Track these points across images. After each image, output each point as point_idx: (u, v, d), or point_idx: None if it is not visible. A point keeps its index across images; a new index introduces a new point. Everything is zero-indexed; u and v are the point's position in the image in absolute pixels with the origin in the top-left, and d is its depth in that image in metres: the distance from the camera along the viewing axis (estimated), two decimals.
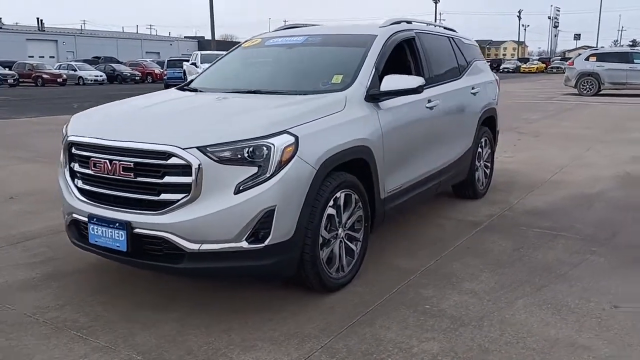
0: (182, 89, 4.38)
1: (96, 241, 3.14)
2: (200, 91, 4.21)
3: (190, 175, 2.86)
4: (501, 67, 62.94)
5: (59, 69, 39.28)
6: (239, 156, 2.89)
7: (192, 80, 4.57)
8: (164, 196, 2.95)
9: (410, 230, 4.71)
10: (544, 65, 64.10)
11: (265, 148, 2.92)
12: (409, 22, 4.86)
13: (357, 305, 3.25)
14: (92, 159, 3.16)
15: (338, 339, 2.86)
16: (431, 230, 4.73)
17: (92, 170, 3.17)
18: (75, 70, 38.49)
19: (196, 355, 2.72)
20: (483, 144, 5.76)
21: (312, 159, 3.07)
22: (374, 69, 3.89)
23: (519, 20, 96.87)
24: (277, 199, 2.92)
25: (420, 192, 4.44)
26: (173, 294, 3.42)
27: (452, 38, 5.50)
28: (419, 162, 4.34)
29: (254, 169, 2.91)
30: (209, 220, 2.88)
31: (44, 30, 68.86)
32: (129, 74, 40.09)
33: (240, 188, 2.88)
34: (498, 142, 6.43)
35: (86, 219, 3.18)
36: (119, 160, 3.04)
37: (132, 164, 3.00)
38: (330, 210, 3.27)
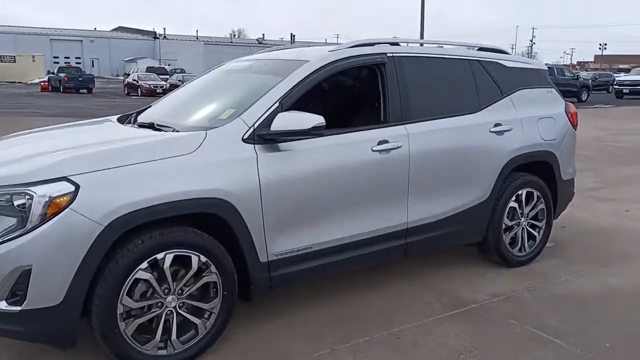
0: (123, 118, 4.03)
1: None
2: (127, 123, 3.87)
3: None
4: None
5: None
6: None
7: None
8: None
9: (359, 298, 3.79)
10: None
11: (26, 196, 2.52)
12: (393, 44, 3.95)
13: None
14: None
15: None
16: (390, 304, 3.72)
17: None
18: None
19: None
20: (523, 197, 4.42)
21: (98, 213, 2.58)
22: (276, 104, 3.18)
23: None
24: (33, 258, 2.50)
25: (359, 256, 3.54)
26: None
27: (479, 61, 4.31)
28: (350, 220, 3.45)
29: (13, 221, 2.54)
30: None
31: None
32: None
33: None
34: None
35: None
36: None
37: None
38: (142, 274, 2.73)
